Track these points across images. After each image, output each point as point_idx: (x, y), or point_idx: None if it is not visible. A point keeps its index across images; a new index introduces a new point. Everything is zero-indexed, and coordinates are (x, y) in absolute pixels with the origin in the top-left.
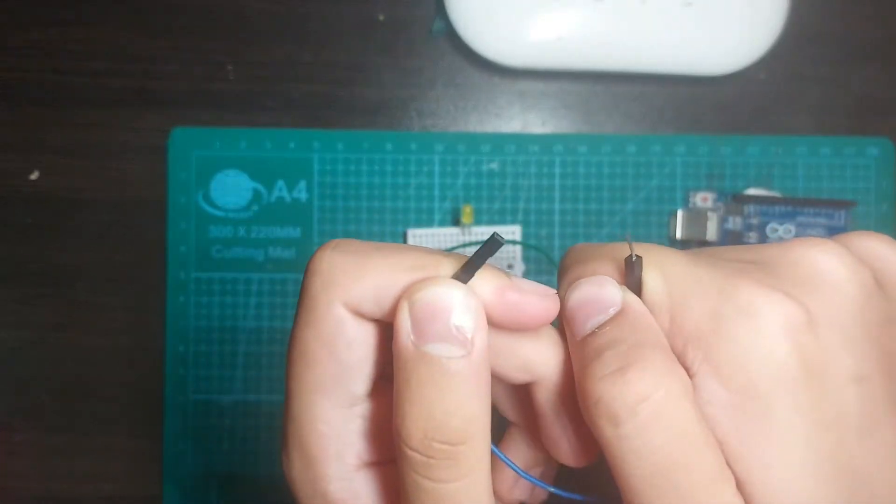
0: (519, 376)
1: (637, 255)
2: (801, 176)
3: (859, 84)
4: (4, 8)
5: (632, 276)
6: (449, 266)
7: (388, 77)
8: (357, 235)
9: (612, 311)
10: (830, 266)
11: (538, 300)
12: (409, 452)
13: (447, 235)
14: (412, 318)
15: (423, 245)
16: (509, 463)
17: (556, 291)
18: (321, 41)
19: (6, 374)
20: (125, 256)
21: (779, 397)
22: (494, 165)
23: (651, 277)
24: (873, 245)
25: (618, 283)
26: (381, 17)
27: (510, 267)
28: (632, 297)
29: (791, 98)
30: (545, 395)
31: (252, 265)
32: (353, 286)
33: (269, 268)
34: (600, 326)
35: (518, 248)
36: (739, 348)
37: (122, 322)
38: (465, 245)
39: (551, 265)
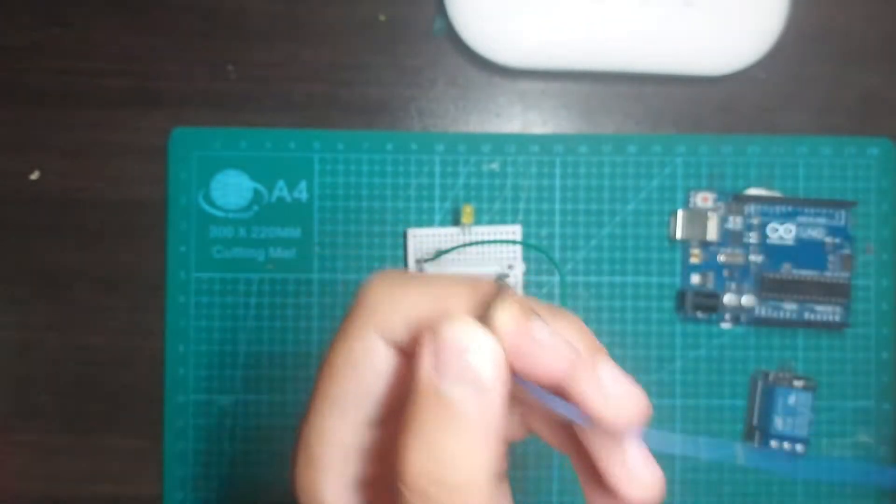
0: (518, 435)
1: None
2: (802, 176)
3: (860, 83)
4: (4, 8)
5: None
6: (470, 297)
7: (389, 77)
8: (357, 235)
9: None
10: None
11: (550, 354)
12: (404, 490)
13: (447, 235)
14: (435, 352)
15: (423, 245)
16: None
17: (576, 349)
18: (321, 41)
19: (6, 374)
20: (125, 256)
21: None
22: (495, 165)
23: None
24: None
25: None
26: (382, 17)
27: (510, 267)
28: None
29: (792, 98)
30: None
31: (252, 265)
32: (387, 315)
33: (270, 268)
34: None
35: (518, 248)
36: None
37: (122, 322)
38: (465, 245)
39: (552, 265)
